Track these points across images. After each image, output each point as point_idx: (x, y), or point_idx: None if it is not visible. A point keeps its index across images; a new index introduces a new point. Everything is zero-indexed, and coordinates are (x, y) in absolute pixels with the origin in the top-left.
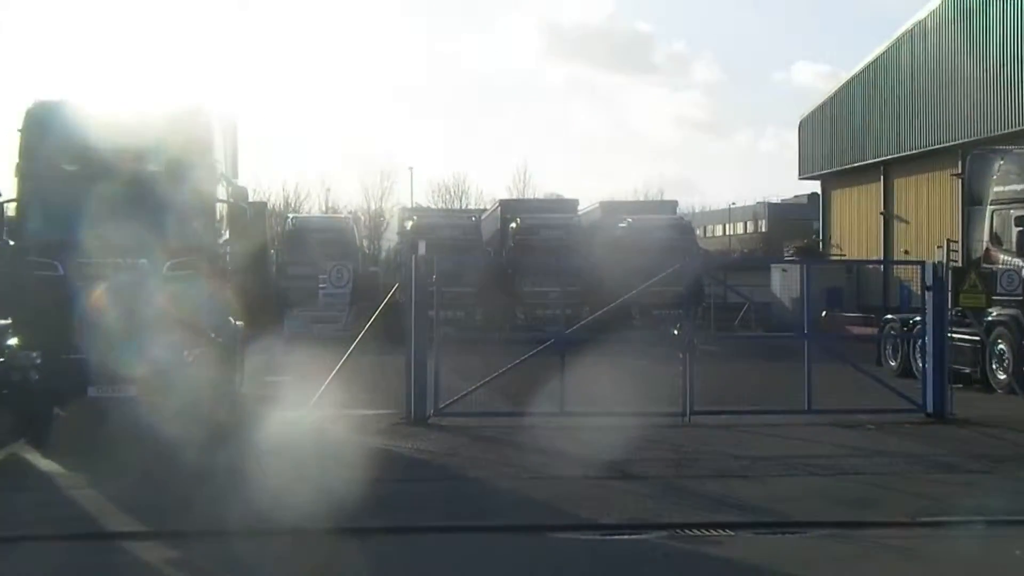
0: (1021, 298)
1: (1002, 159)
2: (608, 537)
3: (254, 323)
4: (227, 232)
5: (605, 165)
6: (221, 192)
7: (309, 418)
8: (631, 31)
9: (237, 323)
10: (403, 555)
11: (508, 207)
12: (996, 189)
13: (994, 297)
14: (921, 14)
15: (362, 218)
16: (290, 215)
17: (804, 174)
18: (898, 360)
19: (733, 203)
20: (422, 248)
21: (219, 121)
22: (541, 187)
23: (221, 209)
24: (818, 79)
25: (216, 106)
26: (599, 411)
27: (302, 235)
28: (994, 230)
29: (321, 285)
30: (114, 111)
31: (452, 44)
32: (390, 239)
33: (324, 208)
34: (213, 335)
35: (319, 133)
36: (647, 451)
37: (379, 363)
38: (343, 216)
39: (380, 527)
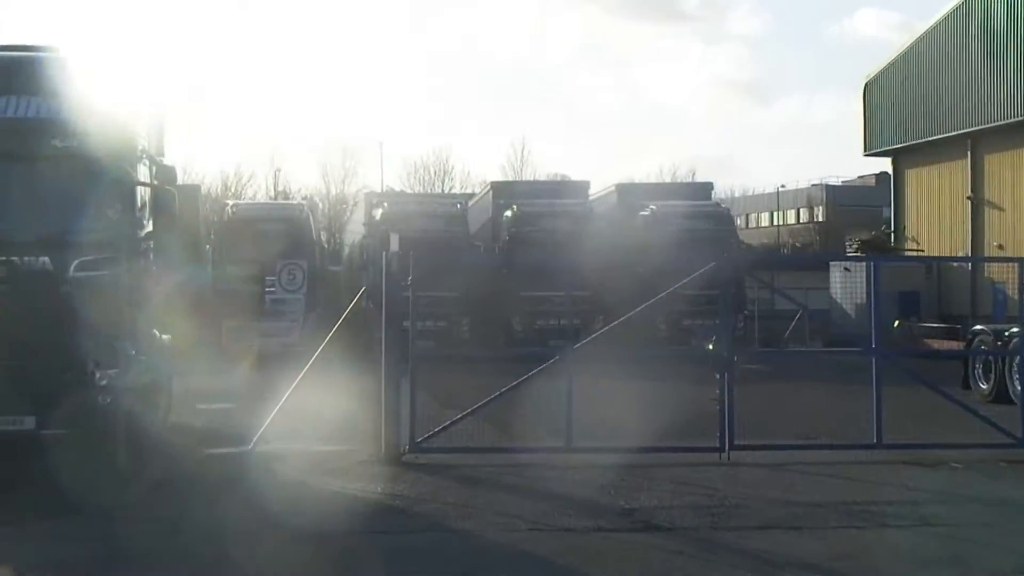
0: None
1: None
2: None
3: (185, 336)
4: (150, 223)
5: (622, 140)
6: (142, 173)
7: (253, 456)
8: None
9: (163, 337)
10: None
11: (502, 191)
12: None
13: None
14: None
15: (320, 205)
16: (230, 202)
17: (871, 150)
18: (990, 382)
19: (782, 186)
20: (395, 243)
21: (141, 85)
22: (543, 167)
23: (142, 194)
24: (887, 30)
25: (137, 66)
26: (615, 446)
27: (245, 226)
28: None
29: (268, 288)
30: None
31: None
32: (355, 231)
33: (273, 193)
34: (132, 352)
35: (267, 102)
36: (675, 496)
37: (342, 386)
38: (296, 203)
39: None
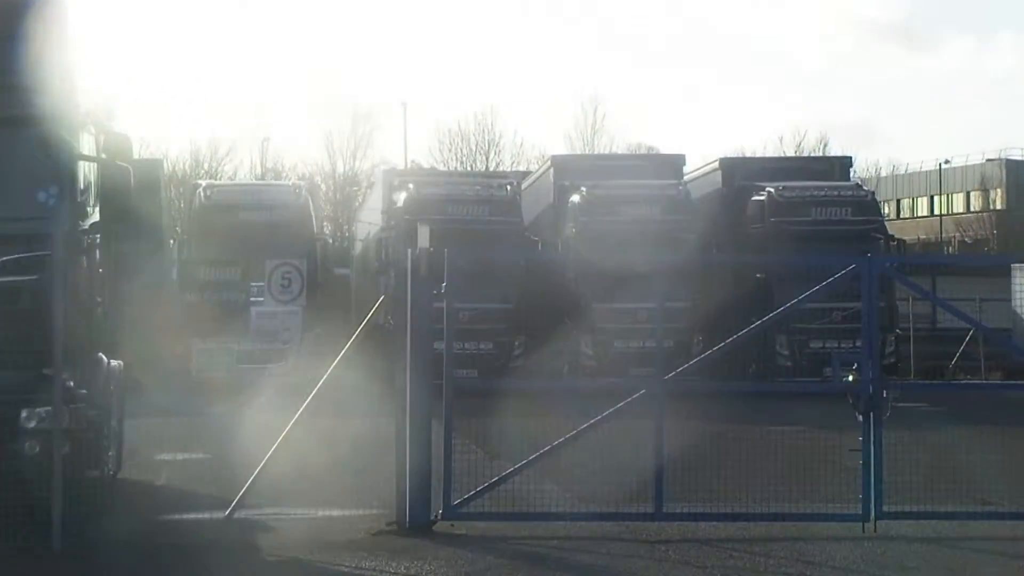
0: None
1: None
2: None
3: (142, 361)
4: (95, 210)
5: (729, 101)
6: (86, 142)
7: (230, 525)
8: None
9: (112, 363)
10: None
11: (566, 168)
12: None
13: None
14: None
15: (323, 187)
16: (203, 182)
17: None
18: None
19: (946, 161)
20: (424, 237)
21: (82, 28)
22: (621, 137)
23: (86, 171)
24: None
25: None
26: (720, 512)
27: (223, 215)
28: None
29: (254, 298)
30: None
31: None
32: (370, 222)
33: (260, 171)
34: (70, 384)
35: (253, 52)
36: None
37: (352, 430)
38: (291, 184)
39: None
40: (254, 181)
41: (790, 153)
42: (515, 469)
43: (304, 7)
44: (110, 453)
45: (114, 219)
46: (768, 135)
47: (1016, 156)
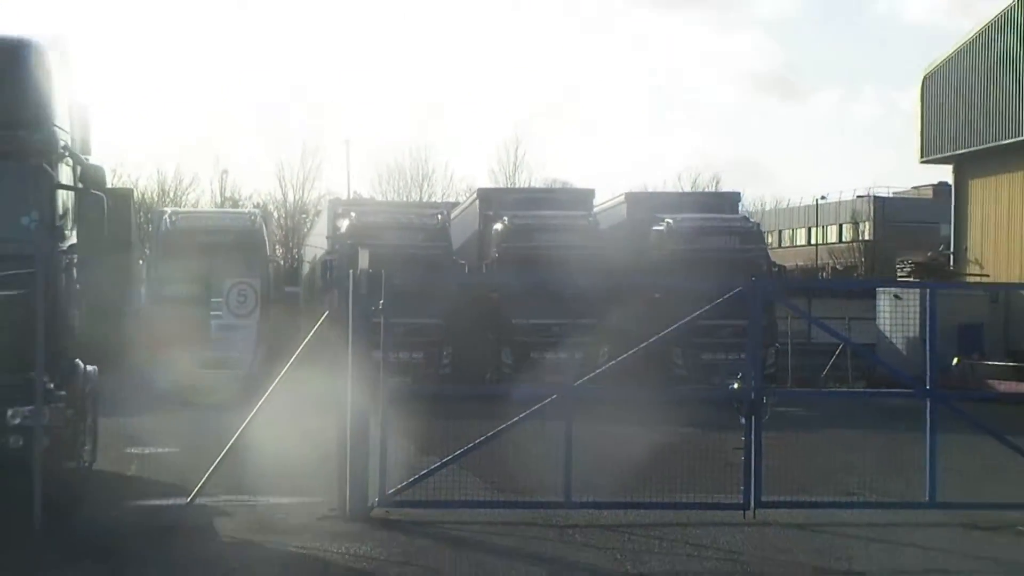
0: None
1: None
2: None
3: (113, 368)
4: (72, 233)
5: (633, 142)
6: (64, 173)
7: (192, 511)
8: None
9: (88, 368)
10: None
11: (491, 200)
12: None
13: None
14: None
15: (275, 214)
16: (168, 209)
17: (928, 156)
18: None
19: (822, 197)
20: (364, 259)
21: (63, 67)
22: (539, 172)
23: (64, 198)
24: (944, 16)
25: (59, 45)
26: (621, 501)
27: (186, 238)
28: None
29: (214, 312)
30: None
31: None
32: (316, 245)
33: (219, 200)
34: (50, 386)
35: (213, 91)
36: (691, 560)
37: (301, 429)
38: (247, 211)
39: None
40: (214, 209)
41: (687, 189)
42: (442, 463)
43: (260, 51)
44: (86, 447)
45: (89, 241)
46: (668, 173)
47: (882, 193)
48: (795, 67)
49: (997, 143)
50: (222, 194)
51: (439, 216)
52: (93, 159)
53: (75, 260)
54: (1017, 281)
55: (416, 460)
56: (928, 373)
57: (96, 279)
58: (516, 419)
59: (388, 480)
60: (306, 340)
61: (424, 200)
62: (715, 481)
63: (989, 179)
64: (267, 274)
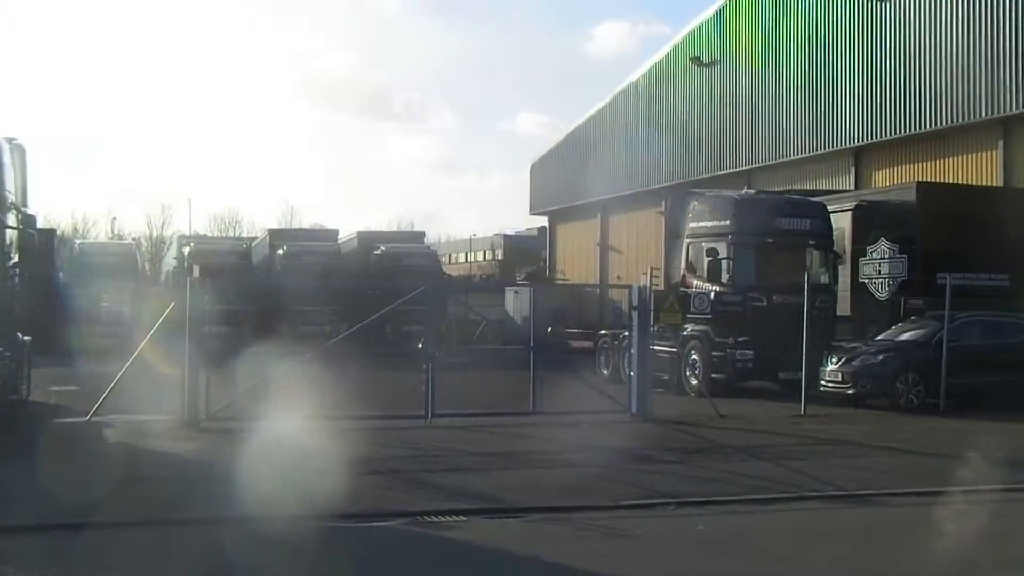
0: (710, 316)
1: (696, 200)
2: (356, 524)
3: (41, 339)
4: (16, 257)
5: (363, 199)
6: (11, 219)
7: (90, 425)
8: (373, 81)
9: (24, 338)
10: (166, 543)
11: (276, 235)
12: (691, 225)
13: (688, 315)
14: (634, 76)
15: (144, 244)
16: (77, 241)
17: (534, 210)
18: (610, 369)
19: (474, 234)
20: (196, 271)
21: (8, 148)
22: (307, 218)
23: (11, 236)
24: (540, 128)
25: (3, 132)
26: (354, 414)
27: (87, 259)
28: (689, 259)
29: (105, 304)
30: None
31: (226, 90)
32: (170, 263)
33: (110, 235)
34: (2, 350)
35: (107, 164)
36: (394, 449)
37: (159, 375)
38: (126, 242)
39: (136, 521)
40: (105, 240)
41: (395, 228)
42: (242, 394)
43: (134, 138)
44: (23, 386)
45: (27, 262)
46: (385, 218)
47: (508, 232)
48: (455, 157)
49: (573, 204)
50: (112, 231)
51: (244, 246)
52: (29, 209)
53: (18, 273)
54: (584, 283)
55: (231, 392)
56: (531, 336)
57: (31, 285)
58: (290, 365)
59: (211, 404)
60: (160, 319)
61: (236, 236)
62: (409, 401)
63: (569, 224)
64: (139, 280)
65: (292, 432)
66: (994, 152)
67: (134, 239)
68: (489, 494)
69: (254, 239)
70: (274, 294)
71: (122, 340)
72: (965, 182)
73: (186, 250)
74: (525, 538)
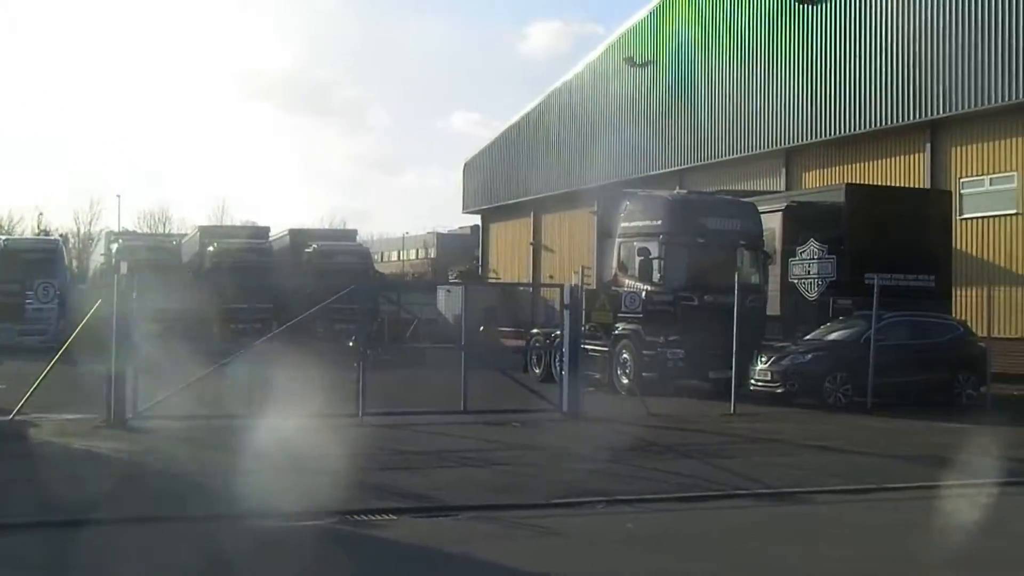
0: (642, 315)
1: (628, 200)
2: (285, 524)
3: None
4: None
5: (296, 197)
6: None
7: (13, 423)
8: (308, 78)
9: None
10: (96, 545)
11: (206, 232)
12: (623, 225)
13: (620, 314)
14: (568, 76)
15: (72, 240)
16: (2, 237)
17: (467, 209)
18: (542, 368)
19: (407, 232)
20: (124, 268)
21: None
22: (238, 216)
23: None
24: (474, 127)
25: None
26: (285, 413)
27: (12, 256)
28: (621, 259)
29: (28, 301)
30: None
31: (157, 82)
32: (97, 260)
33: (36, 231)
34: None
35: (36, 160)
36: (325, 448)
37: (86, 372)
38: (53, 238)
39: (66, 520)
40: (31, 236)
41: (327, 226)
42: (173, 393)
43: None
44: None
45: None
46: (317, 216)
47: (441, 231)
48: (390, 155)
49: (505, 203)
50: (39, 227)
51: (174, 243)
52: None
53: None
54: (516, 281)
55: (159, 390)
56: (462, 335)
57: None
58: (218, 365)
59: (139, 401)
60: (87, 317)
61: (165, 233)
62: (340, 400)
63: (501, 223)
64: (65, 277)
65: (220, 431)
66: (921, 154)
67: (61, 235)
68: (420, 493)
69: (184, 236)
70: (204, 291)
71: (49, 337)
72: (893, 184)
73: (114, 247)
74: (456, 537)
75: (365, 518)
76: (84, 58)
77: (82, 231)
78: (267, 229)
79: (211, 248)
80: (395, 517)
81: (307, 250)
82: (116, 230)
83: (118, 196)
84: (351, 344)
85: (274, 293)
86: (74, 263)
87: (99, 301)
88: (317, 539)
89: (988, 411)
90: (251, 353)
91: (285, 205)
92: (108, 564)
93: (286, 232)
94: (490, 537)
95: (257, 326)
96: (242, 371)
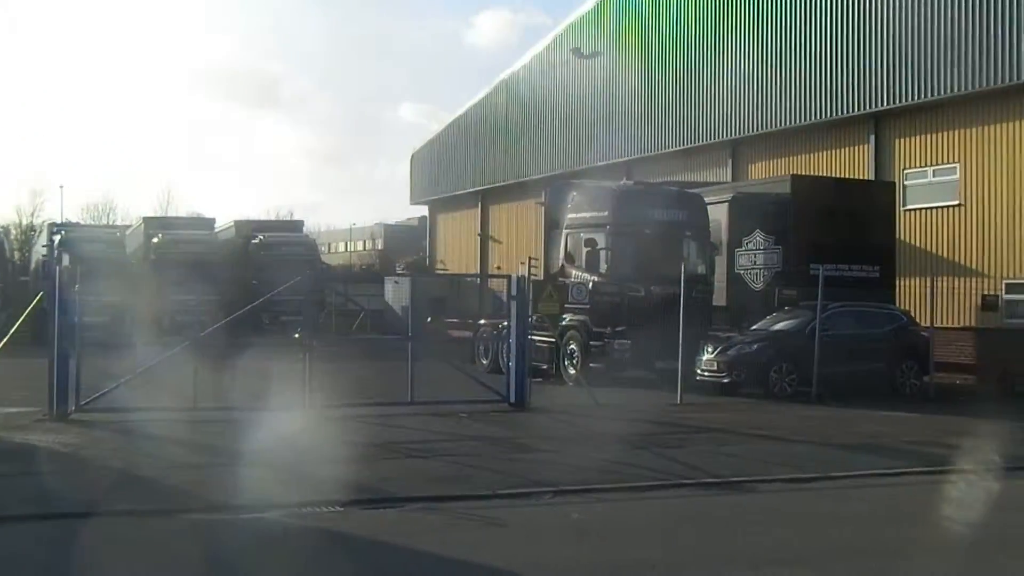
0: (588, 306)
1: (575, 191)
2: (232, 517)
3: None
4: None
5: (243, 189)
6: None
7: None
8: (259, 70)
9: None
10: (42, 540)
11: (151, 224)
12: (570, 216)
13: (567, 305)
14: (515, 67)
15: (13, 232)
16: None
17: (415, 200)
18: (489, 358)
19: (354, 224)
20: (65, 259)
21: None
22: (184, 208)
23: None
24: (422, 118)
25: None
26: (229, 406)
27: None
28: (568, 250)
29: None
30: None
31: (103, 72)
32: (40, 252)
33: None
34: None
35: None
36: (271, 440)
37: (27, 365)
38: None
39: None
40: None
41: (273, 217)
42: (116, 386)
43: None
44: None
45: None
46: (264, 207)
47: (388, 222)
48: (338, 146)
49: (453, 194)
50: None
51: (118, 234)
52: None
53: None
54: (464, 273)
55: (104, 384)
56: (410, 326)
57: None
58: (163, 357)
59: (81, 394)
60: (29, 309)
61: (110, 224)
62: (287, 392)
63: (449, 214)
64: (5, 270)
65: (164, 424)
66: (865, 146)
67: (2, 227)
68: (366, 484)
69: (128, 227)
70: (148, 283)
71: None
72: (838, 175)
73: (56, 238)
74: (401, 528)
75: (311, 511)
76: (25, 48)
77: (24, 223)
78: (212, 220)
79: (156, 239)
80: (341, 509)
81: (253, 241)
82: (59, 221)
83: (61, 187)
84: (297, 336)
85: (219, 285)
86: (16, 255)
87: (41, 294)
88: (261, 533)
89: (931, 400)
90: (196, 345)
91: (232, 197)
92: (31, 560)
93: (232, 223)
94: (435, 529)
95: (202, 318)
96: (187, 364)
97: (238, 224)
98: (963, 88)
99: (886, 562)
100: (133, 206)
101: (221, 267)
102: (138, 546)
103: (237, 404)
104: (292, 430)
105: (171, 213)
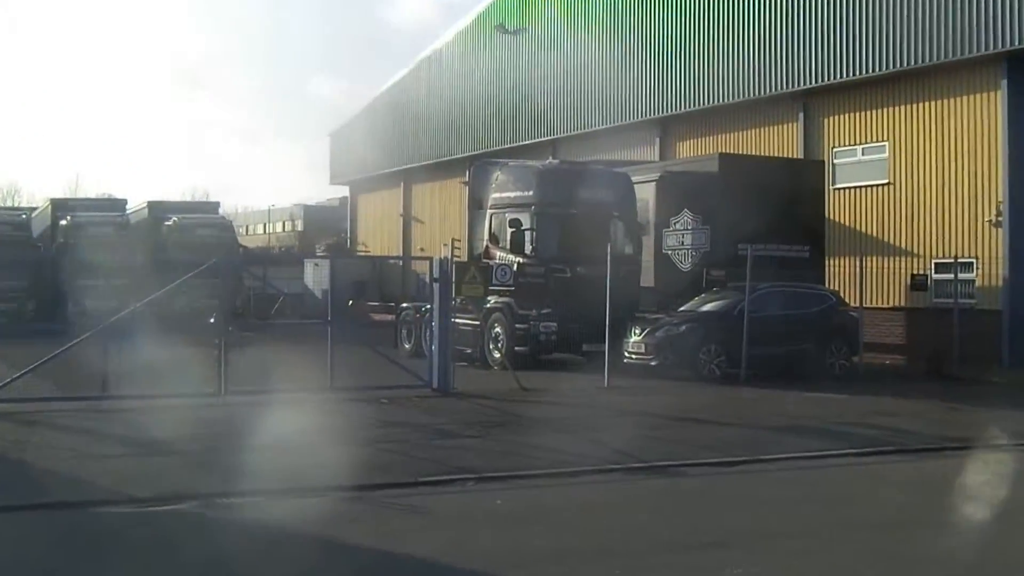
0: (513, 288)
1: (499, 171)
2: (143, 509)
3: None
4: None
5: (155, 170)
6: None
7: None
8: (170, 48)
9: None
10: None
11: (59, 206)
12: (494, 196)
13: (491, 287)
14: (438, 44)
15: None
16: None
17: (335, 180)
18: (412, 343)
19: (273, 204)
20: None
21: None
22: (94, 191)
23: None
24: (341, 96)
25: None
26: (141, 393)
27: None
28: (492, 231)
29: None
30: None
31: (6, 49)
32: None
33: None
34: None
35: None
36: (185, 429)
37: None
38: None
39: None
40: None
41: (189, 199)
42: (21, 375)
43: None
44: None
45: None
46: (180, 188)
47: (309, 203)
48: (255, 126)
49: (375, 174)
50: None
51: (23, 216)
52: None
53: None
54: (386, 255)
55: (6, 372)
56: (329, 310)
57: None
58: (68, 346)
59: None
60: None
61: (14, 206)
62: (202, 378)
63: (370, 194)
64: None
65: (71, 413)
66: (795, 124)
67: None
68: (285, 473)
69: (35, 210)
70: (56, 268)
71: None
72: (768, 154)
73: None
74: (321, 518)
75: (227, 501)
76: None
77: None
78: (124, 202)
79: (64, 222)
80: (259, 499)
81: (167, 223)
82: None
83: None
84: (212, 321)
85: (132, 268)
86: None
87: None
88: (174, 524)
89: (860, 380)
90: (107, 331)
91: (144, 179)
92: None
93: (144, 205)
94: (356, 518)
95: (113, 303)
96: (96, 350)
97: (151, 206)
98: (892, 66)
99: (812, 542)
100: (39, 189)
101: (133, 250)
102: (35, 542)
103: (148, 392)
104: (205, 418)
105: (81, 195)
